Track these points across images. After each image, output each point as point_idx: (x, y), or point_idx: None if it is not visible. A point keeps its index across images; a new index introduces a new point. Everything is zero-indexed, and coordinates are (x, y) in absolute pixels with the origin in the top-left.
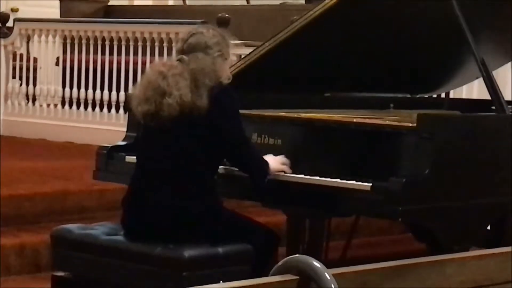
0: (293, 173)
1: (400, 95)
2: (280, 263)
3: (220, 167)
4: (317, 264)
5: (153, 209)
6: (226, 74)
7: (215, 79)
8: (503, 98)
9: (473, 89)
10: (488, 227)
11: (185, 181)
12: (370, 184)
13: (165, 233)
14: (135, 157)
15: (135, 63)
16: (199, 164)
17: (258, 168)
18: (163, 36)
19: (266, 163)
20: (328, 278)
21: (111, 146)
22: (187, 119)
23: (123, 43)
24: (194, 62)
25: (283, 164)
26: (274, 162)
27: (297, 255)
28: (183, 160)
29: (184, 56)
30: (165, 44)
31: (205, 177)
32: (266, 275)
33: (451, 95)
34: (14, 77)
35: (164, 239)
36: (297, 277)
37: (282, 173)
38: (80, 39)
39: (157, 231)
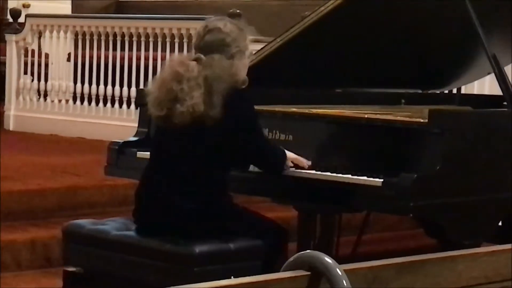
0: (304, 168)
1: (411, 91)
2: (291, 258)
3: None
4: (328, 259)
5: (164, 205)
6: (243, 75)
7: (231, 84)
8: None
9: (485, 85)
10: (500, 223)
11: (197, 181)
12: (381, 180)
13: (176, 229)
14: (146, 152)
15: (146, 59)
16: (212, 167)
17: (277, 161)
18: (174, 31)
19: (284, 153)
20: (340, 273)
21: (123, 142)
22: (199, 127)
23: (134, 38)
24: (210, 66)
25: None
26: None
27: (308, 251)
28: (195, 162)
29: (201, 56)
30: (176, 40)
31: (217, 178)
32: (276, 271)
33: (463, 91)
34: (25, 72)
35: (175, 235)
36: (309, 272)
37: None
38: (91, 34)
39: (168, 226)
